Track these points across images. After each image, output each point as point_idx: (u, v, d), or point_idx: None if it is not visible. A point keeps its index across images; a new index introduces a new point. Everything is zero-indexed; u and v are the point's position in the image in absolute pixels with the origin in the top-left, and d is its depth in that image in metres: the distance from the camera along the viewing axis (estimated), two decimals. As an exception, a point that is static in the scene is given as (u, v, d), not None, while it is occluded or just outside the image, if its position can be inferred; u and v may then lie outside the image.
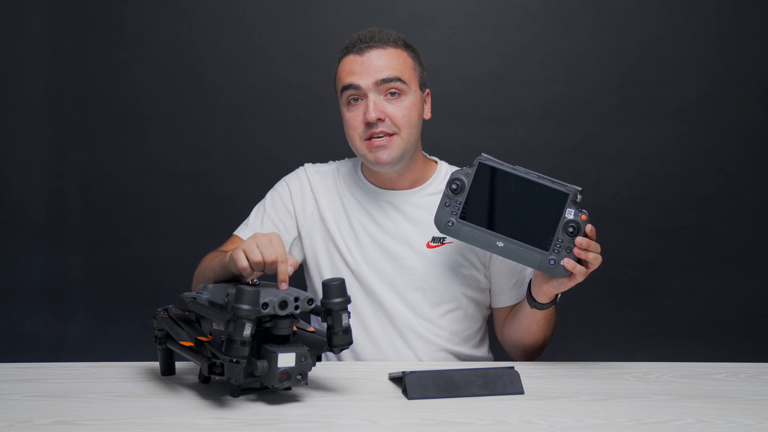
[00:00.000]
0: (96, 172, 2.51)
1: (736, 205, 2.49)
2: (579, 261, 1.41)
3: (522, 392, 1.27)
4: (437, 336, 1.62)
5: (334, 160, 1.76)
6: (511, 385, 1.27)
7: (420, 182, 1.67)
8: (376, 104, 1.55)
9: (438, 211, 1.46)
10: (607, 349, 2.42)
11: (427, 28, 2.47)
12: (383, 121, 1.55)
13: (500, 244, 1.42)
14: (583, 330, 2.49)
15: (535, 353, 1.64)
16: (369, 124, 1.55)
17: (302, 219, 1.68)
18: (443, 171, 1.70)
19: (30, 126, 2.50)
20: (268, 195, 1.72)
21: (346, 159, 1.75)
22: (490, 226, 1.43)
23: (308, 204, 1.68)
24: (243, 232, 1.68)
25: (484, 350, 1.70)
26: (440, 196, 1.62)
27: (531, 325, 1.57)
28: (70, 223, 2.51)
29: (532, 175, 1.43)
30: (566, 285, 1.44)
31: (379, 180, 1.66)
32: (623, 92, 2.49)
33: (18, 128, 2.50)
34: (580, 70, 2.49)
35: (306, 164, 1.74)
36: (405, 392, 1.25)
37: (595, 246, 1.41)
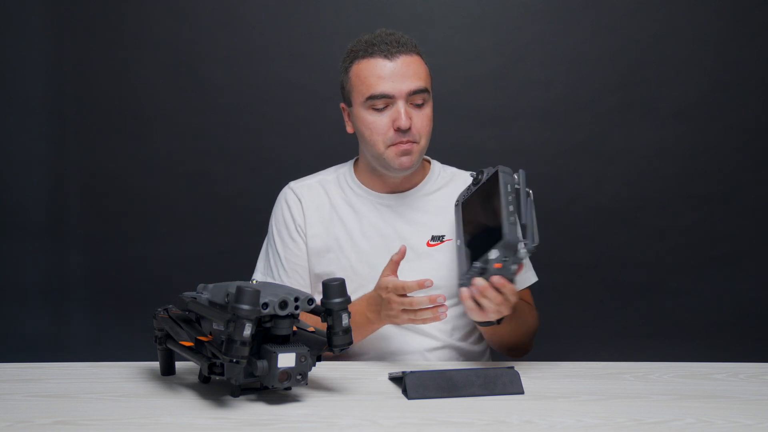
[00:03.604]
0: (96, 172, 2.51)
1: (736, 205, 2.49)
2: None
3: (522, 392, 1.27)
4: (440, 331, 1.62)
5: (314, 172, 1.75)
6: (511, 385, 1.27)
7: (416, 183, 1.67)
8: (407, 112, 1.55)
9: (462, 191, 1.57)
10: (607, 349, 2.42)
11: (427, 28, 2.47)
12: (410, 129, 1.56)
13: (458, 242, 1.49)
14: (583, 330, 2.49)
15: (513, 353, 1.67)
16: (400, 131, 1.55)
17: (305, 234, 1.68)
18: (436, 170, 1.71)
19: (30, 126, 2.51)
20: (276, 237, 1.69)
21: (331, 168, 1.74)
22: (465, 224, 1.49)
23: (308, 220, 1.68)
24: None
25: (483, 345, 1.71)
26: (435, 195, 1.68)
27: (484, 334, 1.62)
28: (70, 223, 2.51)
29: (511, 206, 1.41)
30: (470, 315, 1.42)
31: (380, 185, 1.66)
32: (623, 92, 2.49)
33: (18, 128, 2.51)
34: (580, 70, 2.49)
35: (290, 183, 1.73)
36: (405, 392, 1.25)
37: (494, 296, 1.36)
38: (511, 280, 1.38)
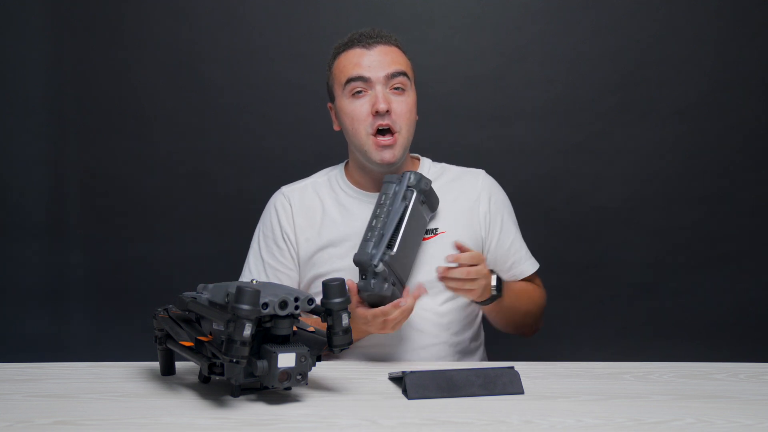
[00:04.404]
0: (96, 172, 2.51)
1: (736, 205, 2.49)
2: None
3: (522, 392, 1.27)
4: (437, 325, 1.63)
5: (314, 172, 1.77)
6: (511, 385, 1.27)
7: None
8: (385, 96, 1.57)
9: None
10: (607, 349, 2.42)
11: (427, 28, 2.47)
12: (389, 114, 1.56)
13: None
14: (583, 330, 2.49)
15: (521, 331, 1.72)
16: (378, 115, 1.56)
17: (295, 241, 1.68)
18: (426, 166, 1.72)
19: (30, 126, 2.50)
20: (262, 242, 1.70)
21: (323, 170, 1.76)
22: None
23: (298, 225, 1.68)
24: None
25: (479, 341, 1.72)
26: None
27: (488, 315, 1.67)
28: (70, 223, 2.51)
29: (374, 221, 1.49)
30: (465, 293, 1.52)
31: (370, 184, 1.67)
32: (623, 92, 2.49)
33: (18, 128, 2.50)
34: (580, 70, 2.49)
35: (281, 188, 1.74)
36: (405, 392, 1.25)
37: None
38: (383, 297, 1.45)
